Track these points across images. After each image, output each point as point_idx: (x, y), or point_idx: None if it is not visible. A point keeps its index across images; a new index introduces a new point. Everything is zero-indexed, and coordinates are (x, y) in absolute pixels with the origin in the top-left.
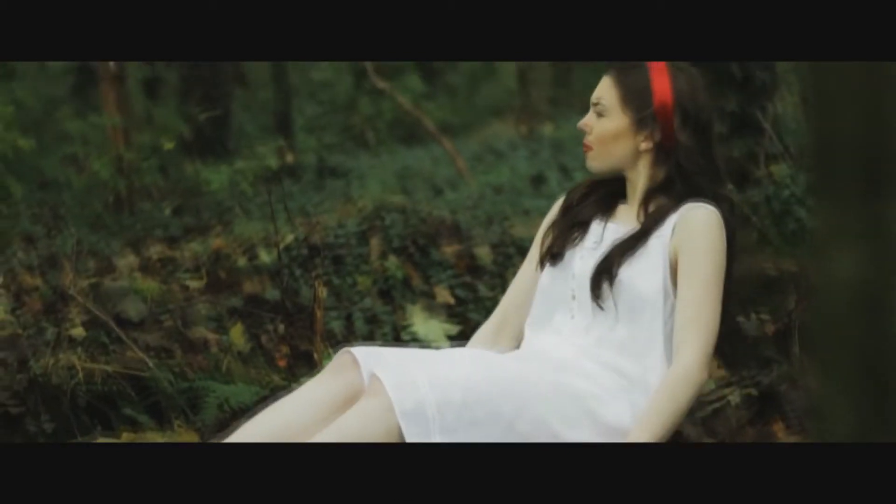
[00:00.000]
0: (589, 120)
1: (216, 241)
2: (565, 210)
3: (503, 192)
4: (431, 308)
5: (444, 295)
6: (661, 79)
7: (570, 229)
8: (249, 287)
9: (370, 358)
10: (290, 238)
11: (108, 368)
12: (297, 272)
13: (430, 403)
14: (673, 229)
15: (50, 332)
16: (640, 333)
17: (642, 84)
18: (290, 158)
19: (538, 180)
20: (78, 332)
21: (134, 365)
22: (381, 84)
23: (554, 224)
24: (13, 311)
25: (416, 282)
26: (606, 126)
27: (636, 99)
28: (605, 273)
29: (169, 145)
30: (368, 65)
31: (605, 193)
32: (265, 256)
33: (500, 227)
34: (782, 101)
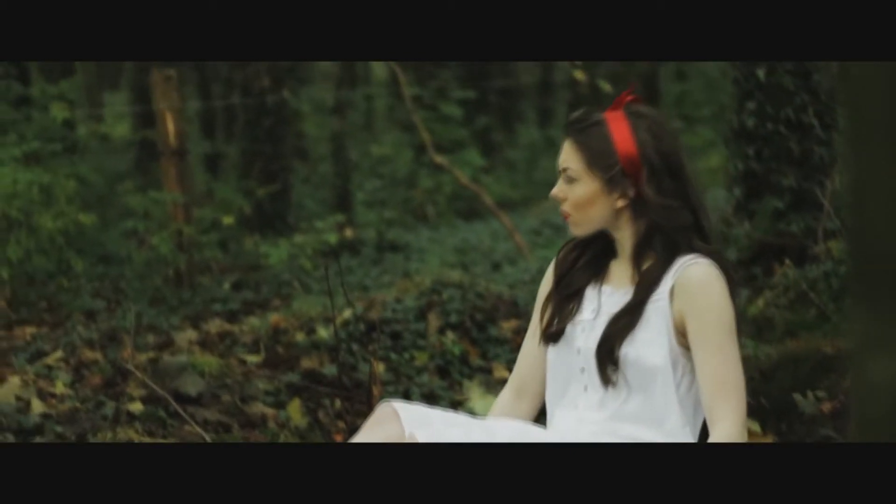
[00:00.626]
0: (560, 188)
1: (274, 317)
2: (558, 281)
3: None
4: (489, 384)
5: (501, 371)
6: (621, 131)
7: (565, 301)
8: (307, 363)
9: (410, 414)
10: (347, 313)
11: (166, 443)
12: (355, 348)
13: None
14: (671, 291)
15: (109, 407)
16: (655, 401)
17: (604, 143)
18: (349, 233)
19: None
20: (136, 406)
21: (192, 440)
22: (440, 159)
23: (549, 297)
24: (72, 385)
25: (474, 358)
26: (578, 192)
27: (601, 159)
28: (608, 354)
29: (228, 220)
30: (427, 139)
31: (593, 254)
32: (323, 332)
33: None
34: (841, 177)
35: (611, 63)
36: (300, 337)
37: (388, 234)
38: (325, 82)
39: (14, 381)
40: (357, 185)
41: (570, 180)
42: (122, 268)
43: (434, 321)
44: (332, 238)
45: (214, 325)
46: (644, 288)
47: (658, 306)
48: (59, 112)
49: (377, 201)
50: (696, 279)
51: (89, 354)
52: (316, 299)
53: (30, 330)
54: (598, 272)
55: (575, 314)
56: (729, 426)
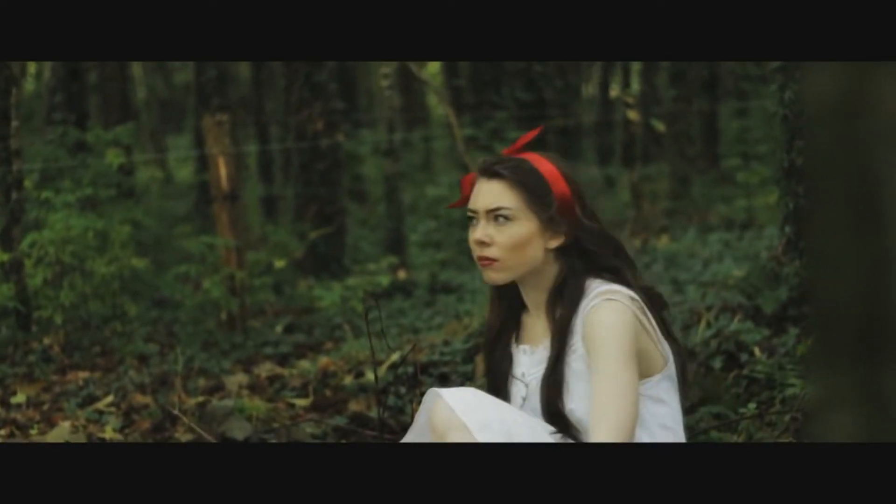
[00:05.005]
0: (486, 232)
1: (324, 360)
2: (491, 345)
3: None
4: None
5: None
6: (551, 172)
7: (499, 364)
8: (354, 406)
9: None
10: (395, 356)
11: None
12: (402, 390)
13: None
14: (583, 338)
15: None
16: None
17: (540, 182)
18: (402, 275)
19: None
20: None
21: None
22: None
23: (485, 359)
24: (122, 429)
25: None
26: (515, 232)
27: (539, 198)
28: (557, 416)
29: (281, 263)
30: None
31: (509, 312)
32: (371, 375)
33: None
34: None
35: (666, 102)
36: (348, 380)
37: (442, 275)
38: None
39: (65, 426)
40: (411, 227)
41: (504, 221)
42: (175, 312)
43: (481, 363)
44: (385, 280)
45: (265, 369)
46: (559, 340)
47: (579, 354)
48: (114, 158)
49: (431, 242)
50: (595, 321)
51: (140, 399)
52: (366, 342)
53: (82, 375)
54: (515, 328)
55: (509, 372)
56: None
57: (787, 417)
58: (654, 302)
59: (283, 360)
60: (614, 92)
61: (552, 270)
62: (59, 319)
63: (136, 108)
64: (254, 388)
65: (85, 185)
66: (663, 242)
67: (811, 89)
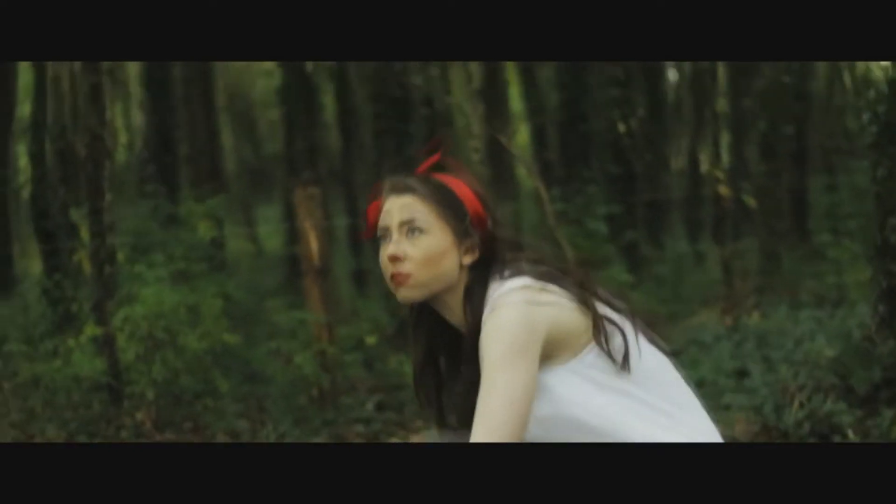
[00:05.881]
0: (399, 247)
1: (414, 438)
2: (420, 382)
3: (705, 385)
4: None
5: None
6: (459, 186)
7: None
8: None
9: None
10: None
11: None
12: None
13: None
14: None
15: None
16: None
17: (450, 195)
18: None
19: (741, 374)
20: None
21: None
22: None
23: (421, 398)
24: None
25: None
26: (429, 244)
27: (452, 210)
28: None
29: (372, 339)
30: (571, 257)
31: (436, 342)
32: None
33: None
34: None
35: (756, 177)
36: None
37: None
38: None
39: None
40: None
41: (418, 234)
42: (267, 387)
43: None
44: None
45: None
46: (469, 355)
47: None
48: (206, 231)
49: None
50: (482, 333)
51: None
52: None
53: None
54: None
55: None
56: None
57: None
58: (561, 277)
59: (374, 438)
60: (704, 166)
61: (463, 285)
62: (150, 394)
63: (226, 178)
64: None
65: (177, 259)
66: (754, 320)
67: None
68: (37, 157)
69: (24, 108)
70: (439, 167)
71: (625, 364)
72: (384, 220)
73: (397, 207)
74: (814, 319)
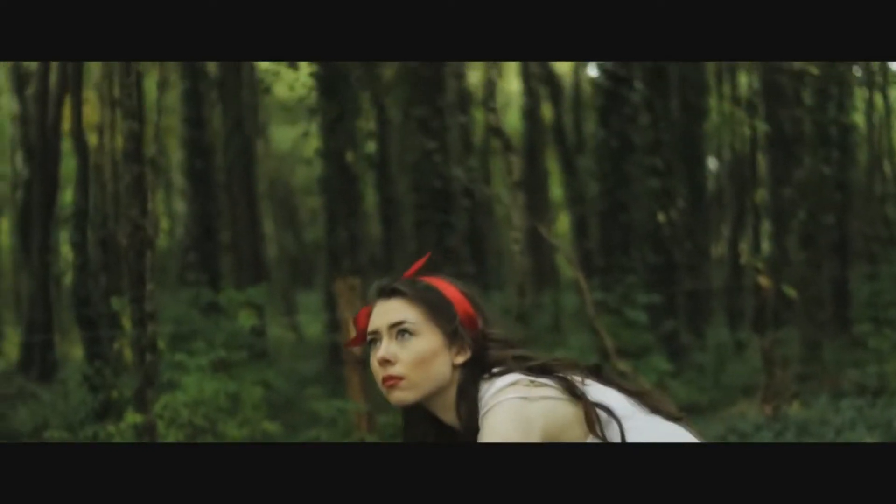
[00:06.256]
0: (390, 349)
1: None
2: None
3: None
4: None
5: None
6: (449, 289)
7: None
8: None
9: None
10: None
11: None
12: None
13: None
14: None
15: None
16: None
17: (440, 298)
18: None
19: None
20: None
21: None
22: (623, 365)
23: None
24: None
25: None
26: (419, 347)
27: (441, 312)
28: None
29: None
30: (610, 345)
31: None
32: None
33: None
34: None
35: (797, 266)
36: None
37: None
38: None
39: None
40: None
41: (408, 336)
42: None
43: None
44: None
45: None
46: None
47: None
48: (246, 319)
49: None
50: (481, 432)
51: None
52: None
53: None
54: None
55: None
56: None
57: None
58: (552, 371)
59: None
60: (744, 256)
61: (457, 387)
62: None
63: (267, 266)
64: None
65: (217, 347)
66: (795, 409)
67: None
68: (79, 245)
69: (66, 195)
70: (426, 271)
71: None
72: (373, 324)
73: (387, 310)
74: (854, 409)
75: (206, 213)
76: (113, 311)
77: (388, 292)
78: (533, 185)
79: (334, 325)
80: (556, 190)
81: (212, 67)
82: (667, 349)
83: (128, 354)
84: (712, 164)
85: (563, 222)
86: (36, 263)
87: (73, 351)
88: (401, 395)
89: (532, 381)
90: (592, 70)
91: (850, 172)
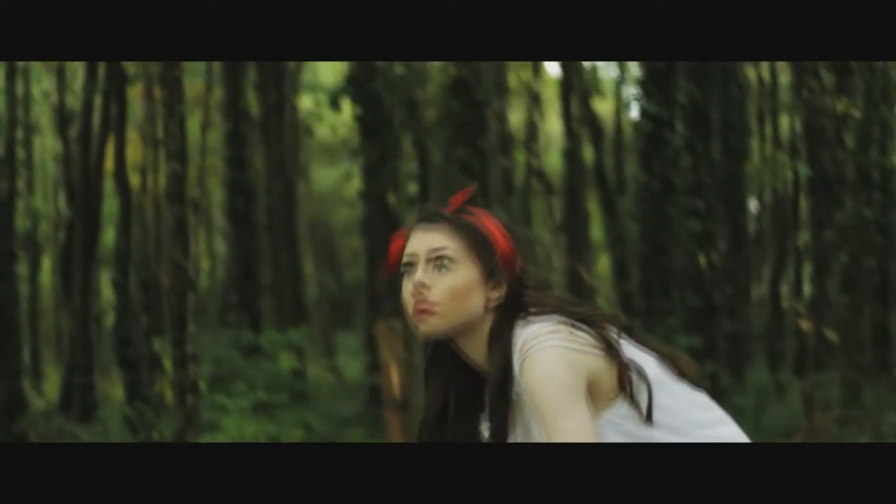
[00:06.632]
0: (426, 276)
1: None
2: (432, 428)
3: None
4: None
5: None
6: (491, 225)
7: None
8: None
9: None
10: None
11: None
12: None
13: None
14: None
15: None
16: None
17: (482, 232)
18: None
19: None
20: None
21: None
22: None
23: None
24: None
25: None
26: (458, 279)
27: (483, 247)
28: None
29: None
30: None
31: (452, 385)
32: None
33: None
34: None
35: (838, 309)
36: None
37: None
38: None
39: None
40: None
41: (446, 266)
42: None
43: None
44: None
45: None
46: (497, 396)
47: (530, 406)
48: (287, 362)
49: None
50: (523, 380)
51: None
52: None
53: None
54: (472, 405)
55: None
56: None
57: None
58: (592, 322)
59: None
60: (786, 300)
61: (490, 325)
62: None
63: (307, 307)
64: None
65: (258, 389)
66: None
67: None
68: (120, 286)
69: (108, 235)
70: (468, 209)
71: (649, 417)
72: (411, 249)
73: (427, 238)
74: None
75: (247, 254)
76: (154, 352)
77: (431, 219)
78: (573, 226)
79: (374, 367)
80: (597, 232)
81: (254, 108)
82: (707, 391)
83: (168, 395)
84: (753, 206)
85: (604, 264)
86: (77, 303)
87: (114, 391)
88: (431, 327)
89: (573, 331)
90: (634, 112)
91: (892, 215)
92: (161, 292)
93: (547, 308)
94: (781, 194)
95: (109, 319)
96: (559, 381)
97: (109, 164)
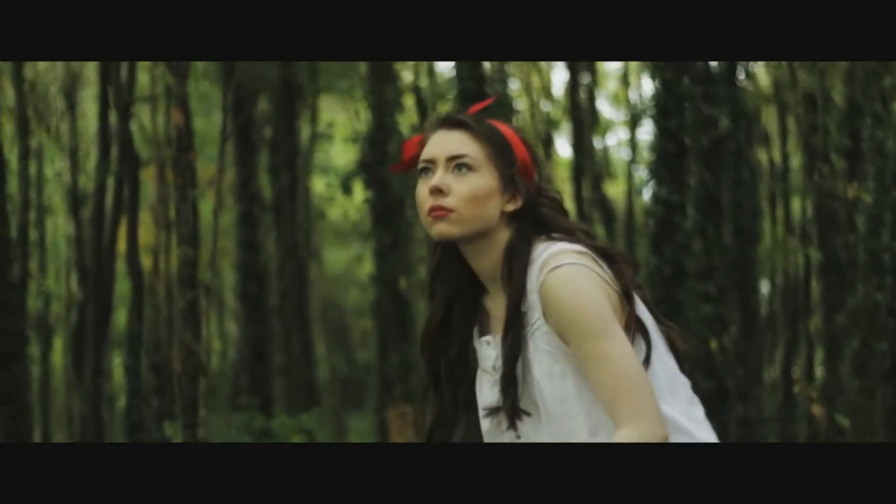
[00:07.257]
0: (444, 179)
1: None
2: (434, 337)
3: None
4: None
5: None
6: (512, 134)
7: (458, 359)
8: None
9: None
10: None
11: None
12: None
13: None
14: (543, 311)
15: None
16: (564, 427)
17: (503, 140)
18: None
19: None
20: None
21: None
22: None
23: (427, 354)
24: None
25: None
26: (476, 183)
27: (503, 154)
28: (512, 409)
29: None
30: None
31: (456, 295)
32: None
33: None
34: None
35: (849, 394)
36: None
37: None
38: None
39: None
40: None
41: (466, 170)
42: None
43: None
44: None
45: None
46: (512, 314)
47: (543, 332)
48: None
49: None
50: (553, 295)
51: None
52: None
53: None
54: (470, 319)
55: (476, 368)
56: (631, 431)
57: None
58: (613, 260)
59: None
60: (797, 385)
61: (503, 237)
62: None
63: (319, 389)
64: None
65: None
66: None
67: None
68: (132, 370)
69: (120, 317)
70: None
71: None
72: (430, 152)
73: (448, 140)
74: None
75: (259, 337)
76: (165, 435)
77: (453, 123)
78: None
79: None
80: None
81: (266, 191)
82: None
83: None
84: (765, 288)
85: None
86: (88, 385)
87: None
88: (446, 228)
89: (595, 261)
90: (646, 194)
91: None
92: (172, 375)
93: (574, 234)
94: (793, 278)
95: (121, 402)
96: (598, 300)
97: (122, 245)
